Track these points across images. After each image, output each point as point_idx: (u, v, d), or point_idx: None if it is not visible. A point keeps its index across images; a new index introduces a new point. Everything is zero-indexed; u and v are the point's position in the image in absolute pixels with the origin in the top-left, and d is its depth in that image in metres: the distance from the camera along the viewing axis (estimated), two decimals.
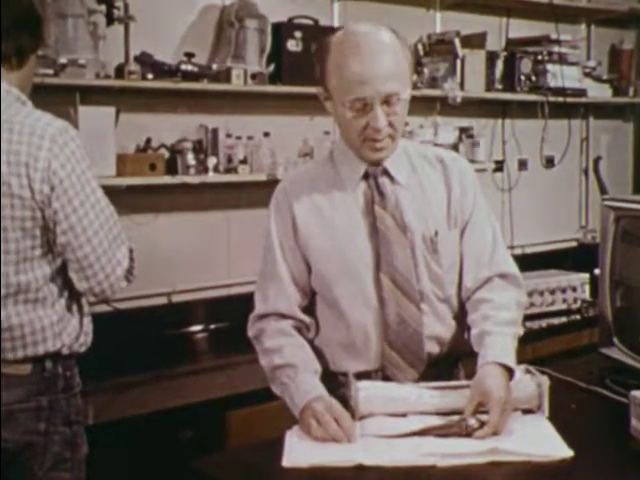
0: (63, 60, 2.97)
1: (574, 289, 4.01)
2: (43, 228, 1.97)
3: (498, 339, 1.97)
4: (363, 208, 2.09)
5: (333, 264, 2.08)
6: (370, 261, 2.06)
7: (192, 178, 3.37)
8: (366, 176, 2.10)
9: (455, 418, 1.88)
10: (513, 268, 2.16)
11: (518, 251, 4.57)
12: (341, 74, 1.98)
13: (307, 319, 2.13)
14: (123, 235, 2.07)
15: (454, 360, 2.17)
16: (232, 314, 3.43)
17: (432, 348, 2.10)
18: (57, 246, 2.00)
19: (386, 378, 2.06)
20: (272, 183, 3.60)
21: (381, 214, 2.07)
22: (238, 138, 3.58)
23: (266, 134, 3.64)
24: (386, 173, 2.10)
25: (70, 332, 2.05)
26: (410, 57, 2.05)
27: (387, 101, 1.97)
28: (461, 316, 2.14)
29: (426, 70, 4.06)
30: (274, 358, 2.05)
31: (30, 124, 1.94)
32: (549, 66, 4.48)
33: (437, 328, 2.10)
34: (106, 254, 2.01)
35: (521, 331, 2.06)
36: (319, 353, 2.10)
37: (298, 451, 1.79)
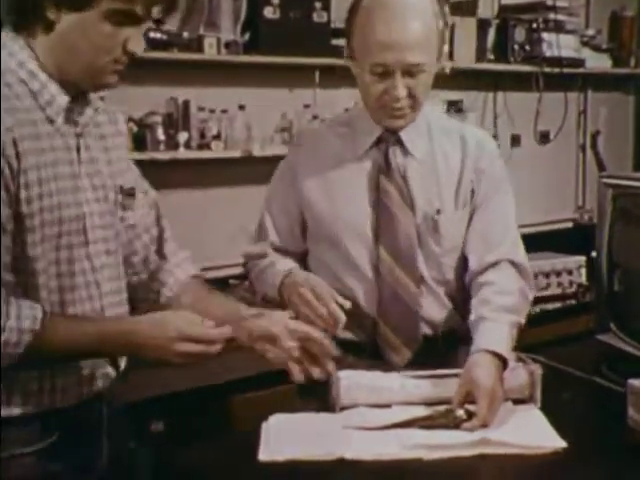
0: None
1: (570, 272, 4.04)
2: None
3: (493, 326, 1.99)
4: (370, 177, 2.13)
5: (326, 229, 2.16)
6: (369, 233, 2.11)
7: (162, 154, 3.37)
8: (379, 142, 2.13)
9: (442, 409, 1.90)
10: (523, 258, 2.16)
11: None
12: (364, 35, 2.01)
13: None
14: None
15: (452, 344, 2.19)
16: None
17: (427, 331, 2.14)
18: None
19: (378, 356, 2.12)
20: (248, 160, 3.63)
21: (386, 185, 2.11)
22: (211, 112, 3.57)
23: (241, 107, 3.63)
24: (399, 143, 2.13)
25: None
26: (442, 25, 2.05)
27: (409, 71, 1.99)
28: (460, 300, 2.17)
29: None
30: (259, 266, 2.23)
31: None
32: (545, 35, 4.49)
33: (434, 311, 2.15)
34: None
35: (522, 320, 2.07)
36: None
37: (275, 444, 1.80)
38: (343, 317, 1.94)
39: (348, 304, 1.96)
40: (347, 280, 2.15)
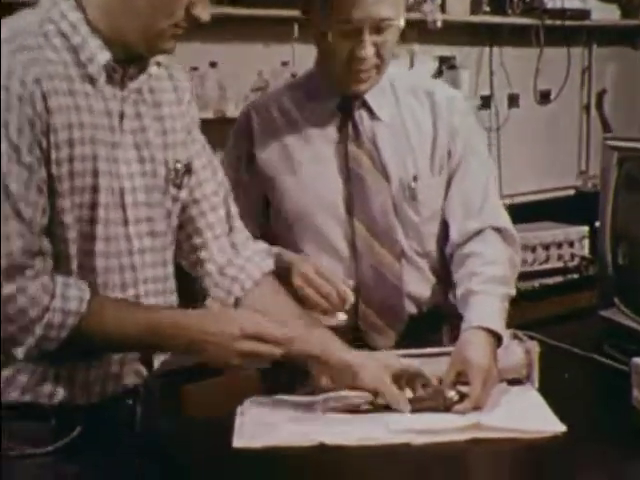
0: None
1: (571, 244, 4.05)
2: None
3: (484, 300, 2.00)
4: (336, 145, 2.13)
5: (293, 205, 2.14)
6: (341, 206, 2.11)
7: None
8: (342, 107, 2.12)
9: (431, 390, 1.91)
10: (507, 223, 2.18)
11: (507, 201, 4.59)
12: None
13: None
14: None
15: (436, 323, 2.21)
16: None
17: (411, 308, 2.15)
18: None
19: (361, 341, 2.10)
20: (221, 121, 3.62)
21: (355, 153, 2.11)
22: None
23: (213, 64, 3.63)
24: (365, 106, 2.13)
25: None
26: None
27: (377, 27, 1.99)
28: (443, 274, 2.18)
29: None
30: None
31: None
32: None
33: (418, 286, 2.16)
34: None
35: (513, 292, 2.09)
36: None
37: (250, 430, 1.81)
38: (352, 298, 1.95)
39: (352, 283, 1.97)
40: (320, 260, 2.11)
